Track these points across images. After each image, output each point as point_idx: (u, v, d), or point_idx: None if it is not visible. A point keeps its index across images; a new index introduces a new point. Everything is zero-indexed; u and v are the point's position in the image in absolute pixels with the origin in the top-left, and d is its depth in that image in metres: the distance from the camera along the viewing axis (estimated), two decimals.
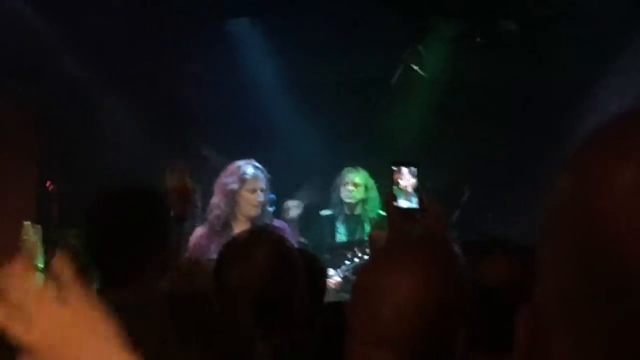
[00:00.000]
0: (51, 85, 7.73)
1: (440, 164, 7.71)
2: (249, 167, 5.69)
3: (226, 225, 5.59)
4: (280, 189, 6.06)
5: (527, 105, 7.97)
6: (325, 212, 6.59)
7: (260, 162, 5.75)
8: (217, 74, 8.07)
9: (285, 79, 8.20)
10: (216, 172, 6.24)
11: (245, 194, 5.63)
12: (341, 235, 6.56)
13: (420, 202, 2.66)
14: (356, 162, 6.75)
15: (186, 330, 2.26)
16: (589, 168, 0.69)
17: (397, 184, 2.68)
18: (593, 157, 0.70)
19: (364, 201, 6.50)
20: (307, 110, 8.06)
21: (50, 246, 4.95)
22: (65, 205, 6.79)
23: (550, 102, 7.83)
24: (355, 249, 6.06)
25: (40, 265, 4.64)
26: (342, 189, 6.53)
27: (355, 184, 6.50)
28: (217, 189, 5.70)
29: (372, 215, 6.42)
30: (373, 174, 6.58)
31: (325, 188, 6.78)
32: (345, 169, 6.62)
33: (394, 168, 2.69)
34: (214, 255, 2.85)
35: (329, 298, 3.89)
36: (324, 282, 3.39)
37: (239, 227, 5.44)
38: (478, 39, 7.93)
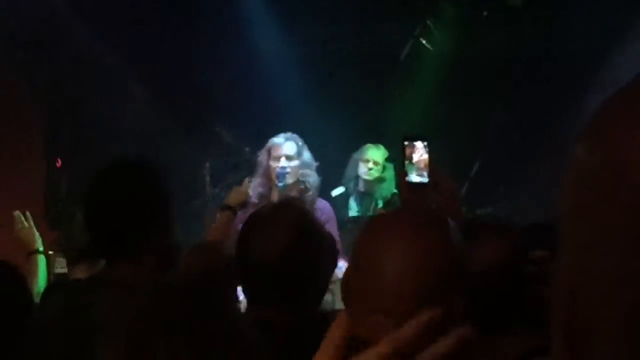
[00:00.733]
0: (62, 62, 7.71)
1: (449, 139, 7.70)
2: (276, 137, 5.63)
3: (266, 199, 5.47)
4: None
5: (535, 79, 7.93)
6: (336, 192, 6.46)
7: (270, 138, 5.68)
8: (229, 53, 8.05)
9: (293, 54, 8.18)
10: (230, 148, 6.23)
11: (271, 164, 5.56)
12: (352, 212, 6.47)
13: (432, 176, 2.63)
14: (366, 138, 6.67)
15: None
16: (618, 136, 0.66)
17: (409, 158, 2.65)
18: (620, 124, 0.67)
19: (380, 179, 6.40)
20: (317, 86, 8.04)
21: (56, 224, 4.95)
22: (75, 182, 6.80)
23: (558, 77, 7.80)
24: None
25: (40, 248, 4.64)
26: (361, 164, 6.41)
27: (375, 162, 6.40)
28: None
29: (386, 194, 6.32)
30: (387, 146, 6.48)
31: (336, 165, 6.67)
32: (367, 145, 6.50)
33: (405, 143, 2.66)
34: None
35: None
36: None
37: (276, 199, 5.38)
38: (485, 14, 7.89)
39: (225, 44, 8.03)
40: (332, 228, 5.18)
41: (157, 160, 2.94)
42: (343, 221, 6.17)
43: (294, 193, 5.54)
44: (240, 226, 2.71)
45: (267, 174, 5.57)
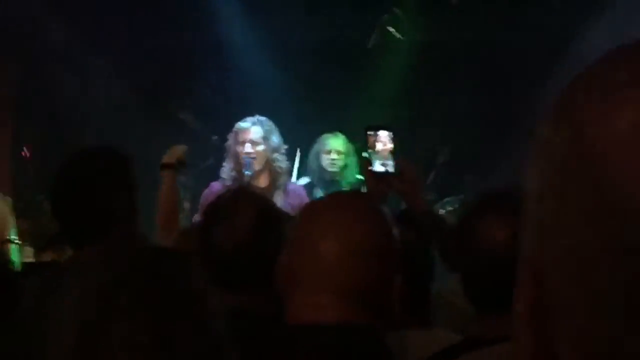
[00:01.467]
0: (29, 47, 7.66)
1: (417, 127, 7.72)
2: (242, 121, 5.54)
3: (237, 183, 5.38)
4: None
5: (503, 66, 7.96)
6: (302, 182, 6.40)
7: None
8: (195, 40, 8.04)
9: (261, 41, 8.16)
10: (195, 135, 6.19)
11: (238, 149, 5.48)
12: None
13: (396, 166, 2.65)
14: (332, 126, 6.64)
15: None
16: (584, 113, 0.67)
17: (373, 148, 2.67)
18: (585, 101, 0.67)
19: (344, 167, 6.34)
20: (282, 73, 8.04)
21: (23, 212, 4.93)
22: (41, 172, 6.75)
23: (526, 63, 7.84)
24: None
25: (14, 237, 4.60)
26: (323, 156, 6.31)
27: (337, 152, 6.33)
28: None
29: (351, 179, 6.29)
30: (350, 138, 6.45)
31: (298, 154, 6.62)
32: (324, 135, 6.42)
33: (368, 132, 2.68)
34: None
35: None
36: None
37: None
38: (453, 1, 7.91)
39: (193, 31, 8.01)
40: None
41: (123, 148, 2.95)
42: None
43: (263, 179, 5.51)
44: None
45: (236, 158, 5.49)
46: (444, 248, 2.82)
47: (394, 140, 2.67)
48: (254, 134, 5.47)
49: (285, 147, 5.65)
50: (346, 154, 6.33)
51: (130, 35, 7.82)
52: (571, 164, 0.66)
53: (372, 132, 2.69)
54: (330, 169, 6.29)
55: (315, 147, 6.38)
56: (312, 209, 2.02)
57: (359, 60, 8.14)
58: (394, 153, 2.67)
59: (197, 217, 4.63)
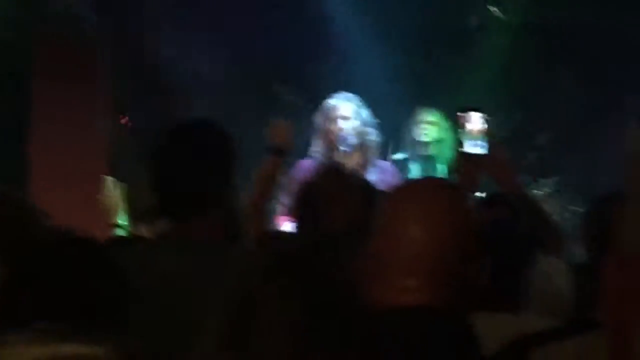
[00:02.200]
0: (130, 25, 7.76)
1: (518, 108, 7.64)
2: (331, 98, 5.51)
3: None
4: None
5: (607, 50, 7.79)
6: (397, 156, 6.40)
7: None
8: (294, 15, 8.05)
9: (363, 23, 8.12)
10: (290, 108, 6.19)
11: (329, 126, 5.44)
12: (413, 176, 6.39)
13: (486, 147, 2.64)
14: (432, 106, 6.61)
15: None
16: None
17: (463, 128, 2.66)
18: None
19: (438, 141, 6.30)
20: (383, 54, 7.99)
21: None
22: (140, 142, 6.86)
23: (632, 48, 7.65)
24: None
25: (123, 222, 4.61)
26: (415, 128, 6.36)
27: (429, 122, 6.31)
28: None
29: (447, 155, 6.22)
30: (450, 118, 6.40)
31: (397, 132, 6.62)
32: (418, 109, 6.45)
33: (459, 113, 2.68)
34: None
35: None
36: None
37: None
38: None
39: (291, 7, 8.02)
40: None
41: (223, 123, 2.95)
42: None
43: (356, 155, 5.45)
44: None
45: (327, 136, 5.45)
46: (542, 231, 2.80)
47: (486, 121, 2.65)
48: (345, 110, 5.44)
49: (377, 121, 5.62)
50: (440, 127, 6.28)
51: (231, 15, 7.85)
52: None
53: (462, 113, 2.68)
54: (421, 139, 6.25)
55: (409, 121, 6.37)
56: (402, 193, 2.02)
57: (460, 41, 8.06)
58: (484, 134, 2.65)
59: (284, 197, 4.56)
